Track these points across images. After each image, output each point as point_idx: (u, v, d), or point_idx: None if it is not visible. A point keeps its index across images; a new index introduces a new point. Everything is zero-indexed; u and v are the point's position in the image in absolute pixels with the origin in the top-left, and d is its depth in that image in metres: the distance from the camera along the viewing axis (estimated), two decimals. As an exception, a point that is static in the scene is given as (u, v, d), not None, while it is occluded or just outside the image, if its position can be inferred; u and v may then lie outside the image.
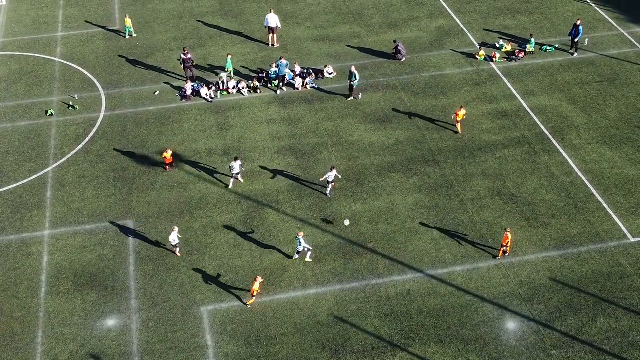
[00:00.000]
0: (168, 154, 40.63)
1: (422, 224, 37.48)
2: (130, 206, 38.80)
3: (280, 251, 35.95)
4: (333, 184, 39.06)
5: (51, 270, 35.31)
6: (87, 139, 43.80)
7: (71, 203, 39.07)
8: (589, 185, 39.62)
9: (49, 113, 45.80)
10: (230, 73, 48.61)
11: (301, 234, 34.53)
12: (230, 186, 39.66)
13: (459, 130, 43.19)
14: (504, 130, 43.65)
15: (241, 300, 33.56)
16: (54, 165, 41.70)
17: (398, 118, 44.86)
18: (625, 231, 36.79)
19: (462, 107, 43.24)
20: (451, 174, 40.55)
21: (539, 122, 44.19)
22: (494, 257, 35.30)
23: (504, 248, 35.00)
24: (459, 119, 42.87)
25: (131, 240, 36.83)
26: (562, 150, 41.99)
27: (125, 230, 37.35)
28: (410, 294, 33.90)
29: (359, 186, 39.81)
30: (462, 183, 39.91)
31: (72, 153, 42.63)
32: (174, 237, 35.09)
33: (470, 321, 32.64)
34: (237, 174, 39.59)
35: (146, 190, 39.81)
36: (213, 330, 32.42)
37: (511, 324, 32.48)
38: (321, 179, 39.04)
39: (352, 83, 45.75)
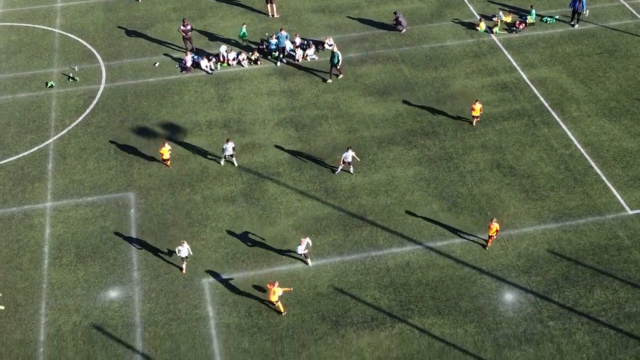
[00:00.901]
0: (165, 150, 39.04)
1: (422, 196, 37.73)
2: (132, 178, 39.00)
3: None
4: (350, 164, 38.74)
5: (53, 242, 35.61)
6: (88, 110, 43.88)
7: (72, 175, 39.27)
8: (587, 157, 39.81)
9: (49, 85, 45.84)
10: (245, 41, 48.78)
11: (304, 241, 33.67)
12: (222, 163, 39.70)
13: (474, 123, 41.86)
14: (503, 102, 43.73)
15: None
16: (54, 137, 41.84)
17: (398, 90, 44.91)
18: (623, 203, 37.04)
19: (477, 100, 41.41)
20: (451, 146, 40.70)
21: (538, 94, 44.25)
22: (484, 246, 34.91)
23: (490, 239, 34.63)
24: (474, 114, 41.26)
25: (132, 212, 37.08)
26: (561, 123, 42.11)
27: (127, 202, 37.60)
28: (409, 266, 34.24)
29: (359, 158, 39.96)
30: (462, 155, 40.08)
31: (72, 125, 42.75)
32: (184, 252, 33.35)
33: (468, 293, 33.02)
34: (231, 155, 39.31)
35: (147, 163, 39.99)
36: (214, 302, 32.79)
37: (509, 296, 32.86)
38: (341, 163, 38.72)
39: (333, 62, 44.88)
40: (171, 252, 34.61)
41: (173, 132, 41.89)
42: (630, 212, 36.58)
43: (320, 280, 33.68)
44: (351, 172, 38.89)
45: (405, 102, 43.92)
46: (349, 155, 38.30)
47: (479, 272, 33.85)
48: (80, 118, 43.27)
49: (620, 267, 33.90)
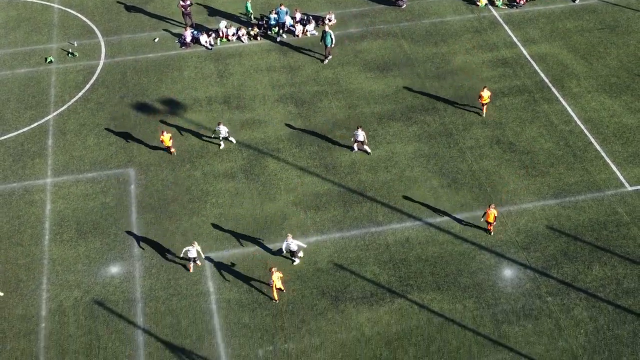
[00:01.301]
0: (166, 137, 38.41)
1: (422, 173, 37.78)
2: (132, 154, 39.03)
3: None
4: (363, 144, 38.49)
5: (54, 218, 35.72)
6: (87, 86, 43.81)
7: (72, 151, 39.29)
8: (587, 133, 39.81)
9: (49, 60, 45.72)
10: (250, 17, 48.59)
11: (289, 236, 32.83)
12: (222, 146, 39.22)
13: (484, 112, 40.76)
14: (503, 78, 43.64)
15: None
16: (54, 113, 41.81)
17: (398, 66, 44.80)
18: (623, 180, 37.11)
19: (485, 87, 40.26)
20: (450, 122, 40.69)
21: (539, 70, 44.16)
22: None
23: (491, 225, 34.21)
24: (483, 102, 40.17)
25: (133, 188, 37.16)
26: (561, 99, 42.07)
27: (127, 178, 37.66)
28: (408, 242, 34.37)
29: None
30: (462, 131, 40.09)
31: (72, 101, 42.70)
32: (193, 252, 32.49)
33: (467, 268, 33.18)
34: (225, 138, 39.05)
35: (147, 139, 40.00)
36: (215, 277, 32.96)
37: (508, 272, 33.02)
38: (354, 143, 38.59)
39: (326, 44, 44.41)
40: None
41: (173, 108, 41.86)
42: (630, 189, 36.66)
43: (320, 256, 33.83)
44: (368, 151, 38.64)
45: (405, 77, 43.82)
46: (360, 134, 38.09)
47: (478, 248, 33.99)
48: (80, 94, 43.22)
49: (619, 243, 34.03)
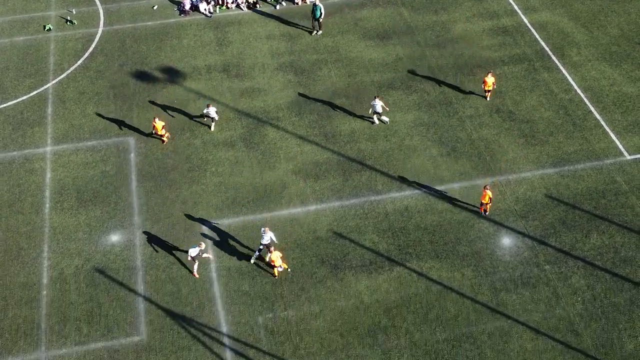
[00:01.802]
0: (158, 125, 37.13)
1: (421, 141, 37.82)
2: (131, 123, 39.01)
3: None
4: (381, 114, 38.12)
5: (54, 186, 35.82)
6: (86, 54, 43.67)
7: (72, 119, 39.29)
8: (587, 102, 39.78)
9: (47, 28, 45.51)
10: None
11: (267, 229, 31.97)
12: (212, 129, 38.45)
13: (488, 97, 39.86)
14: (504, 46, 43.49)
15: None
16: (53, 82, 41.74)
17: (398, 34, 44.63)
18: (622, 148, 37.16)
19: (489, 72, 39.09)
20: (450, 91, 40.64)
21: (539, 39, 43.99)
22: (479, 214, 34.07)
23: (484, 206, 33.82)
24: (487, 88, 39.03)
25: (133, 156, 37.21)
26: (561, 67, 41.97)
27: (127, 147, 37.71)
28: (408, 210, 34.51)
29: (358, 103, 39.95)
30: (461, 100, 40.05)
31: (71, 69, 42.59)
32: (195, 251, 31.27)
33: (466, 237, 33.36)
34: (213, 119, 38.13)
35: (146, 107, 39.97)
36: (215, 246, 33.13)
37: (506, 240, 33.20)
38: (372, 114, 38.28)
39: (315, 17, 43.61)
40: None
41: (172, 77, 41.77)
42: (629, 157, 36.73)
43: (320, 224, 33.99)
44: (385, 120, 38.36)
45: (405, 46, 43.67)
46: (378, 104, 37.67)
47: (476, 217, 34.13)
48: (79, 62, 43.09)
49: (617, 212, 34.18)
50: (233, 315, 30.58)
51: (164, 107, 39.57)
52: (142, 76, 41.97)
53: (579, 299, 30.94)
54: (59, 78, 41.95)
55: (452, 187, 35.51)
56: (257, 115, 39.46)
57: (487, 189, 33.32)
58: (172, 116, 39.06)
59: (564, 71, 41.71)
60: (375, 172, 36.33)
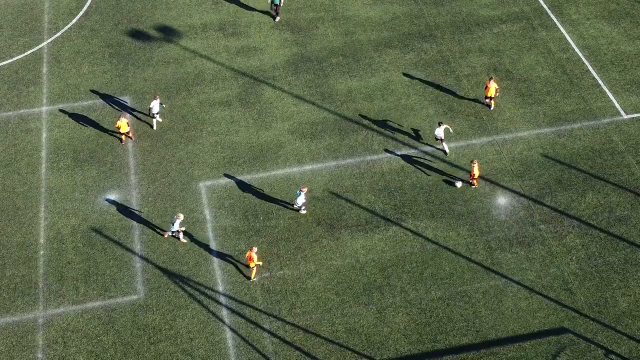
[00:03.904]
0: (122, 123, 34.77)
1: (418, 101, 37.68)
2: (127, 82, 38.84)
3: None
4: (442, 141, 34.54)
5: (50, 146, 35.78)
6: (81, 13, 43.26)
7: (67, 79, 39.09)
8: (585, 61, 39.57)
9: (41, -14, 45.01)
10: None
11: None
12: (154, 127, 36.31)
13: (492, 106, 36.95)
14: (502, 4, 43.11)
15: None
16: (48, 41, 41.43)
17: (395, -8, 44.23)
18: (619, 108, 37.06)
19: (491, 78, 36.03)
20: (448, 49, 40.39)
21: (538, -4, 43.63)
22: (471, 184, 33.60)
23: (473, 180, 33.20)
24: (489, 94, 36.09)
25: (128, 116, 37.09)
26: (560, 26, 41.66)
27: (122, 107, 37.57)
28: (404, 170, 34.53)
29: (355, 62, 39.73)
30: (459, 59, 39.83)
31: (66, 28, 42.24)
32: (177, 226, 30.92)
33: (462, 196, 33.41)
34: (157, 113, 35.78)
35: (142, 66, 39.75)
36: (211, 205, 33.22)
37: (502, 199, 33.27)
38: (439, 142, 34.95)
39: (275, 2, 41.49)
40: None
41: (167, 35, 41.47)
42: (625, 117, 36.64)
43: (316, 184, 34.03)
44: (445, 150, 34.96)
45: (402, 4, 43.29)
46: (440, 131, 34.04)
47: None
48: (74, 20, 42.72)
49: (613, 172, 34.20)
50: (229, 274, 30.76)
51: (160, 66, 39.35)
52: (137, 35, 41.67)
53: (574, 257, 31.10)
54: (54, 37, 41.64)
55: (449, 146, 35.45)
56: (253, 74, 39.26)
57: (474, 163, 32.66)
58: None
59: (562, 29, 41.41)
60: (371, 131, 36.27)
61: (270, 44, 40.94)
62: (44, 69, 39.65)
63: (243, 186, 33.95)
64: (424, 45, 40.65)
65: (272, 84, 38.71)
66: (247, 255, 29.82)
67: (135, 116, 36.93)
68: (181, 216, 31.06)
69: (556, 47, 40.29)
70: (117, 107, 37.40)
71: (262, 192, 33.64)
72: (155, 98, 35.53)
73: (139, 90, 38.36)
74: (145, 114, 36.97)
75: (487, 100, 36.78)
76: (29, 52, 40.75)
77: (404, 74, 38.98)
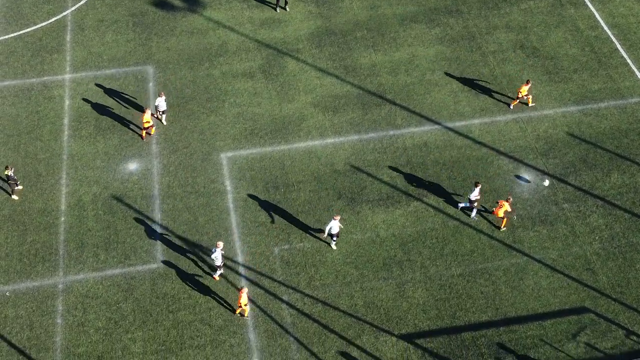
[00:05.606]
0: (148, 117, 33.68)
1: (442, 76, 37.28)
2: (150, 52, 38.70)
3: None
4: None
5: (73, 114, 35.77)
6: (105, -19, 43.11)
7: (91, 47, 39.00)
8: (614, 39, 38.93)
9: (66, -46, 44.82)
10: None
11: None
12: (164, 122, 35.15)
13: (530, 103, 35.57)
14: (530, -20, 42.48)
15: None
16: (72, 8, 41.32)
17: (422, -34, 43.65)
18: (647, 88, 36.52)
19: (528, 81, 34.58)
20: (474, 25, 39.87)
21: (567, -27, 42.92)
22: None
23: (501, 220, 30.72)
24: (522, 94, 34.72)
25: (151, 85, 36.99)
26: (589, 3, 40.97)
27: (145, 76, 37.46)
28: (426, 146, 34.22)
29: (379, 36, 39.33)
30: (485, 35, 39.32)
31: (90, -4, 42.15)
32: (217, 255, 28.83)
33: (485, 173, 33.09)
34: (163, 112, 34.73)
35: (165, 36, 39.56)
36: (232, 176, 33.12)
37: (525, 178, 32.89)
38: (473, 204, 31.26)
39: None
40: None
41: (191, 5, 41.22)
42: (654, 97, 36.10)
43: (337, 157, 33.82)
44: (473, 216, 31.71)
45: (429, -22, 42.75)
46: (476, 193, 30.44)
47: (496, 153, 33.80)
48: (98, -11, 42.59)
49: None
50: (249, 245, 30.71)
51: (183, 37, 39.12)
52: (161, 4, 41.45)
53: (597, 237, 30.76)
54: (78, 5, 41.51)
55: (473, 123, 35.10)
56: (277, 46, 38.98)
57: (506, 202, 30.06)
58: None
59: (591, 7, 40.74)
60: (395, 106, 35.95)
61: (295, 16, 40.61)
62: (68, 37, 39.58)
63: (264, 158, 33.81)
64: (450, 20, 40.16)
65: (295, 56, 38.42)
66: (239, 298, 28.00)
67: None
68: (220, 244, 28.70)
69: (584, 25, 39.65)
70: (139, 77, 37.32)
71: (283, 164, 33.48)
72: (160, 95, 34.32)
73: (162, 60, 38.20)
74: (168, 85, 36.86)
75: (522, 97, 35.00)
76: (53, 19, 40.67)
77: (429, 49, 38.55)
